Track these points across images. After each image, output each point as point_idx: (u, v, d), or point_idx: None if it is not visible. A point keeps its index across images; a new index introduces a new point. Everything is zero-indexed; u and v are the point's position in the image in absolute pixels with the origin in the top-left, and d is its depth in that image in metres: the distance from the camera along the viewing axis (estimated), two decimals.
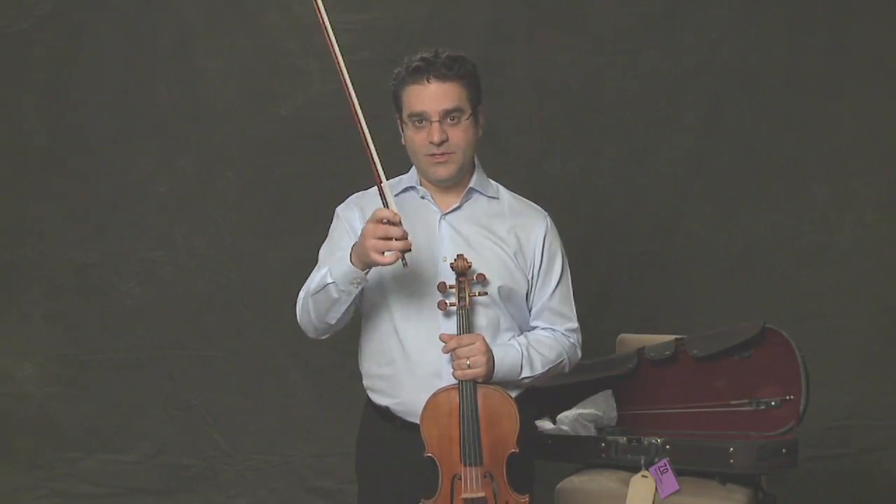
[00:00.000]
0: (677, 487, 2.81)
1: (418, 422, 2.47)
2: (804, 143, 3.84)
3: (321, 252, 2.65)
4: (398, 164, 2.66)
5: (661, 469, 2.83)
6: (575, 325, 2.66)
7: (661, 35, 3.84)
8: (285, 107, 3.95)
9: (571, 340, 2.64)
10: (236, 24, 3.96)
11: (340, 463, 3.83)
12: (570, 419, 3.11)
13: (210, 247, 4.01)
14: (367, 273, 2.41)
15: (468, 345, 2.44)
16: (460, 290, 2.47)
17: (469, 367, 2.43)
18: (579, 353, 2.67)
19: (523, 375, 2.53)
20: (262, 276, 4.00)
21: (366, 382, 2.66)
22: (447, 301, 2.48)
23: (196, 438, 4.04)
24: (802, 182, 3.85)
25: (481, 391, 2.46)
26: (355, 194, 2.69)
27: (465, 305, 2.47)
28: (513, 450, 2.45)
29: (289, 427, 4.02)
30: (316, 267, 2.62)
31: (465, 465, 2.44)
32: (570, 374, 3.18)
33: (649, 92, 3.86)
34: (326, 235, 2.67)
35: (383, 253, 2.32)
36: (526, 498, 2.46)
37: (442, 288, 2.49)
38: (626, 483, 2.86)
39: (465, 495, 2.43)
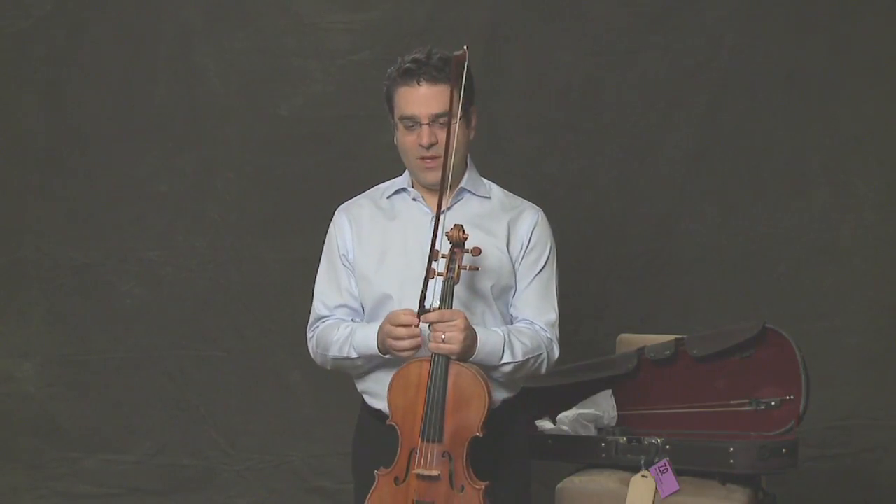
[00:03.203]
0: (677, 487, 2.81)
1: None
2: (804, 143, 3.84)
3: (319, 269, 2.67)
4: (397, 164, 2.67)
5: (661, 469, 2.83)
6: (553, 319, 2.62)
7: (661, 35, 3.84)
8: (285, 107, 3.95)
9: (548, 335, 2.60)
10: (236, 24, 3.96)
11: (340, 463, 3.82)
12: (570, 419, 3.11)
13: (210, 247, 4.01)
14: (389, 356, 2.49)
15: (448, 320, 2.40)
16: (451, 260, 2.42)
17: (444, 342, 2.39)
18: (556, 350, 2.62)
19: (504, 360, 2.50)
20: (262, 276, 4.00)
21: (360, 386, 2.67)
22: (436, 269, 2.42)
23: (196, 438, 4.04)
24: (802, 182, 3.85)
25: (454, 369, 2.40)
26: (346, 203, 2.71)
27: (452, 277, 2.41)
28: (476, 433, 2.39)
29: (289, 427, 4.02)
30: (317, 289, 2.66)
31: (423, 441, 2.40)
32: (569, 374, 3.21)
33: (649, 92, 3.86)
34: (324, 238, 2.70)
35: (402, 351, 2.42)
36: (483, 485, 2.39)
37: (435, 256, 2.42)
38: (626, 483, 2.86)
39: (418, 471, 2.39)
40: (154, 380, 4.04)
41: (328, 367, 2.65)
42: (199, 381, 4.03)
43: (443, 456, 2.39)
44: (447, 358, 2.40)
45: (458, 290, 2.49)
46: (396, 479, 2.42)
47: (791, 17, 3.80)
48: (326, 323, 2.62)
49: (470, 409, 2.39)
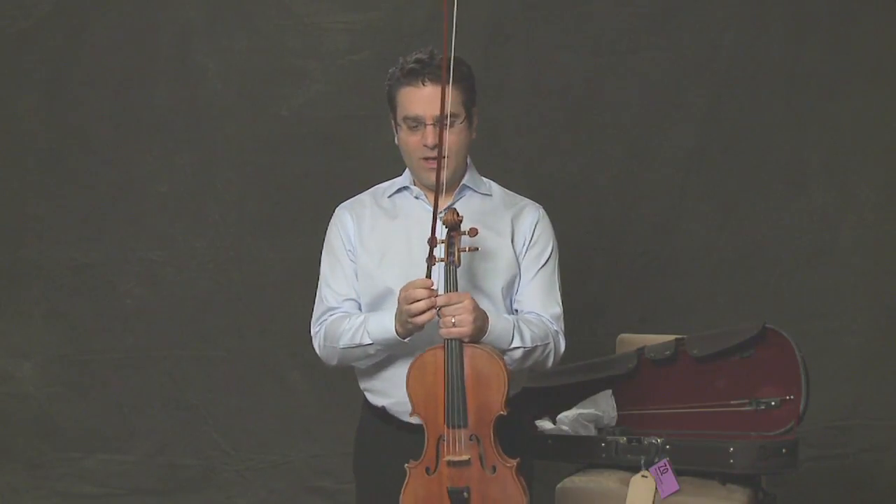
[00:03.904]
0: (677, 487, 2.80)
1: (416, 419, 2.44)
2: (804, 143, 3.84)
3: (323, 264, 2.67)
4: (397, 164, 2.67)
5: (661, 469, 2.83)
6: (558, 312, 2.62)
7: (661, 35, 3.84)
8: (285, 107, 3.96)
9: (554, 327, 2.61)
10: (236, 24, 3.96)
11: (340, 463, 3.82)
12: (570, 419, 3.10)
13: (210, 247, 4.01)
14: (408, 339, 2.47)
15: (456, 303, 2.39)
16: (449, 244, 2.41)
17: (454, 325, 2.38)
18: (563, 343, 2.63)
19: (514, 344, 2.50)
20: (262, 276, 4.00)
21: (363, 384, 2.66)
22: (436, 256, 2.41)
23: (196, 438, 4.04)
24: (802, 182, 3.85)
25: (468, 351, 2.39)
26: (347, 201, 2.72)
27: (454, 261, 2.41)
28: (500, 412, 2.38)
29: (289, 427, 4.02)
30: (323, 283, 2.66)
31: (449, 428, 2.38)
32: (569, 374, 3.21)
33: (649, 92, 3.86)
34: (324, 237, 2.70)
35: (419, 314, 2.38)
36: (515, 462, 2.39)
37: (433, 242, 2.41)
38: (626, 483, 2.85)
39: (448, 458, 2.38)
40: (154, 380, 4.04)
41: (334, 363, 2.63)
42: (199, 381, 4.03)
43: (470, 439, 2.38)
44: (460, 342, 2.39)
45: (467, 286, 2.49)
46: (427, 469, 2.40)
47: (791, 17, 3.81)
48: (335, 315, 2.61)
49: (490, 388, 2.38)
